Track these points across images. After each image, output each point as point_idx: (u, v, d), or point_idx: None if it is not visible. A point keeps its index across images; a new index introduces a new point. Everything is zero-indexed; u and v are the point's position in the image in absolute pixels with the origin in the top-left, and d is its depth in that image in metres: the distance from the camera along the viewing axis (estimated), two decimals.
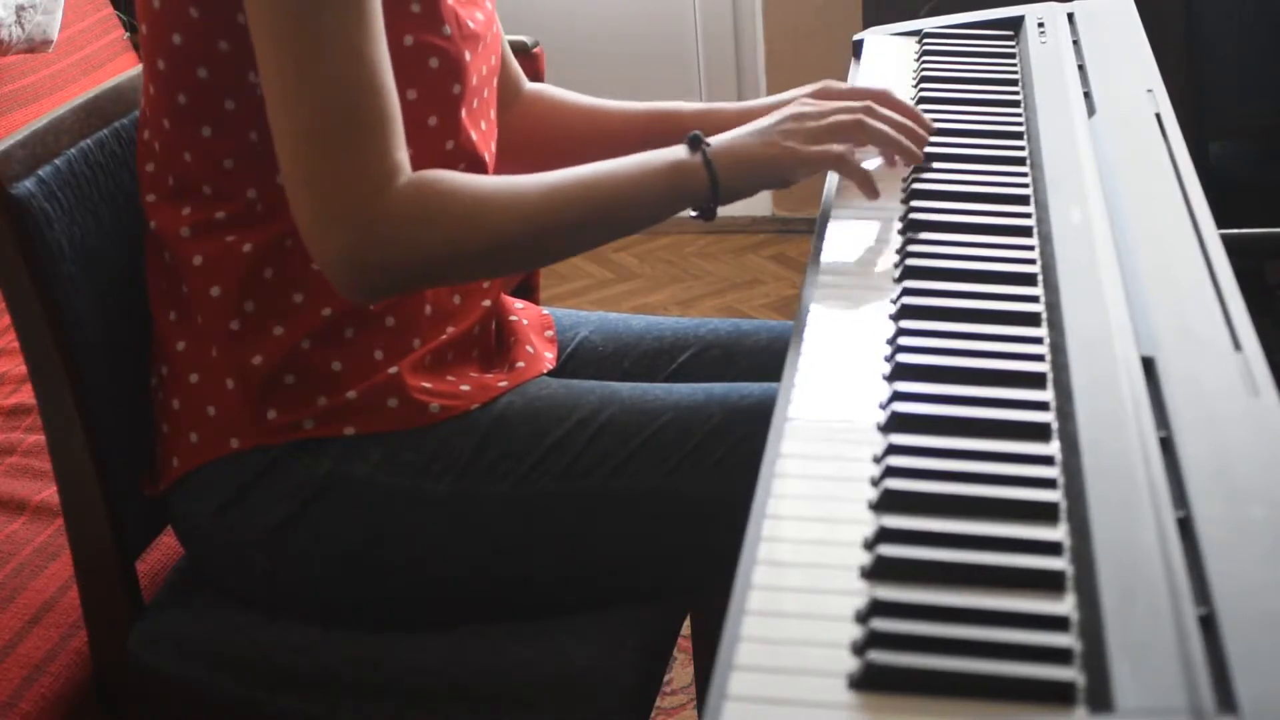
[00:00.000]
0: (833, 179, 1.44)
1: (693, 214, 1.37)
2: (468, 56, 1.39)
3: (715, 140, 1.35)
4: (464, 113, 1.40)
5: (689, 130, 1.37)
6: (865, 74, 1.69)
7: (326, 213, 1.25)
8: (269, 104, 1.26)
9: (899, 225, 1.34)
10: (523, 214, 1.30)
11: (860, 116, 1.38)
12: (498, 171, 1.55)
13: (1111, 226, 1.23)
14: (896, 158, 1.42)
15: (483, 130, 1.45)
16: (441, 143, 1.39)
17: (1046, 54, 1.61)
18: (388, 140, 1.26)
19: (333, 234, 1.25)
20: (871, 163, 1.44)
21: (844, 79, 1.66)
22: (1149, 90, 1.46)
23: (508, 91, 1.62)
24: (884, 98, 1.44)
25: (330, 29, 1.23)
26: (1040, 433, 1.03)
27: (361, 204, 1.25)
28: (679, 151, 1.35)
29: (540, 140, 1.62)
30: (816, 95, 1.47)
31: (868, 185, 1.37)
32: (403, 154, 1.28)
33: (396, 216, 1.26)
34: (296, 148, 1.25)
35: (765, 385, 1.41)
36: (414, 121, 1.35)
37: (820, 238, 1.35)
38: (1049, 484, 0.98)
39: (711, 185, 1.34)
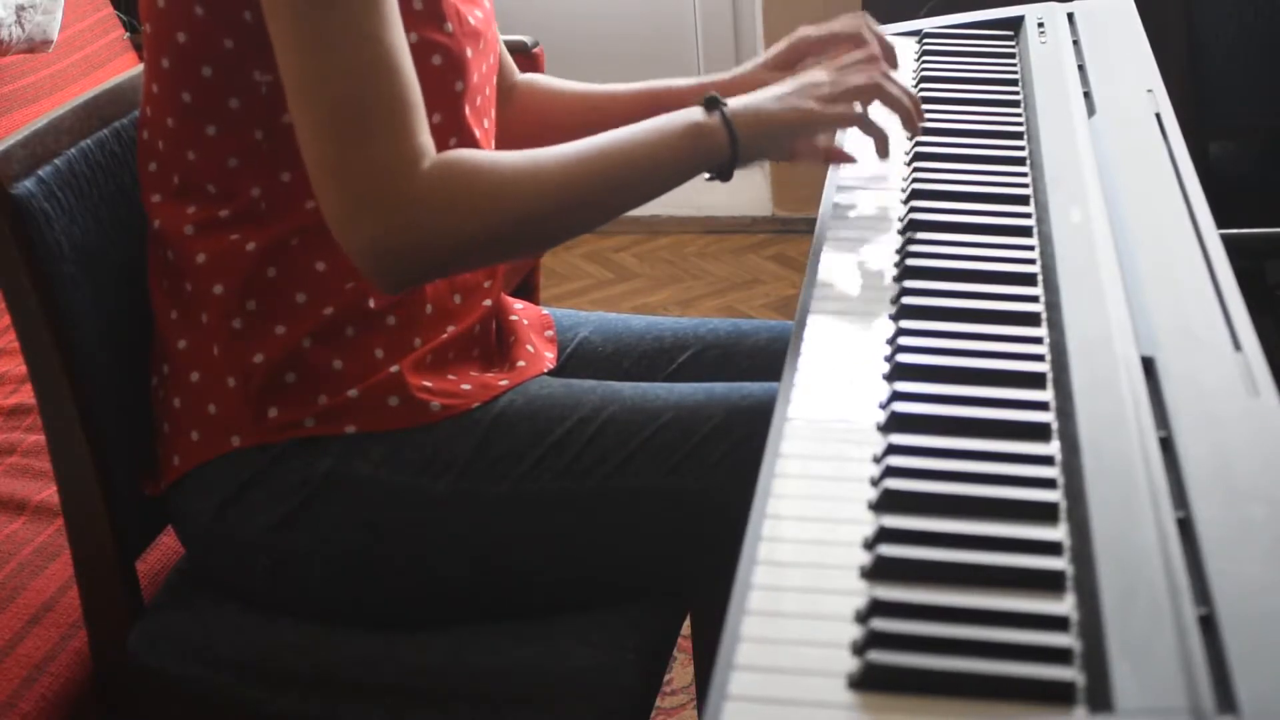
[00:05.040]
0: (833, 177, 1.44)
1: (708, 177, 1.37)
2: (469, 53, 1.39)
3: (732, 102, 1.36)
4: (467, 110, 1.40)
5: (689, 105, 1.37)
6: None
7: (355, 199, 1.24)
8: (289, 95, 1.26)
9: (899, 225, 1.34)
10: (550, 185, 1.30)
11: (879, 80, 1.39)
12: None
13: (1111, 226, 1.23)
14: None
15: (485, 128, 1.45)
16: (445, 140, 1.39)
17: (1046, 54, 1.61)
18: (412, 123, 1.26)
19: (363, 220, 1.25)
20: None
21: None
22: (1149, 90, 1.46)
23: (502, 86, 1.62)
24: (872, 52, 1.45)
25: (347, 16, 1.23)
26: (1040, 433, 1.03)
27: (391, 188, 1.24)
28: (696, 113, 1.35)
29: (536, 130, 1.62)
30: (800, 47, 1.51)
31: (883, 144, 1.39)
32: (426, 137, 1.27)
33: (426, 198, 1.25)
34: (320, 136, 1.24)
35: (765, 385, 1.41)
36: None
37: (820, 237, 1.35)
38: (1049, 484, 0.98)
39: (731, 143, 1.34)
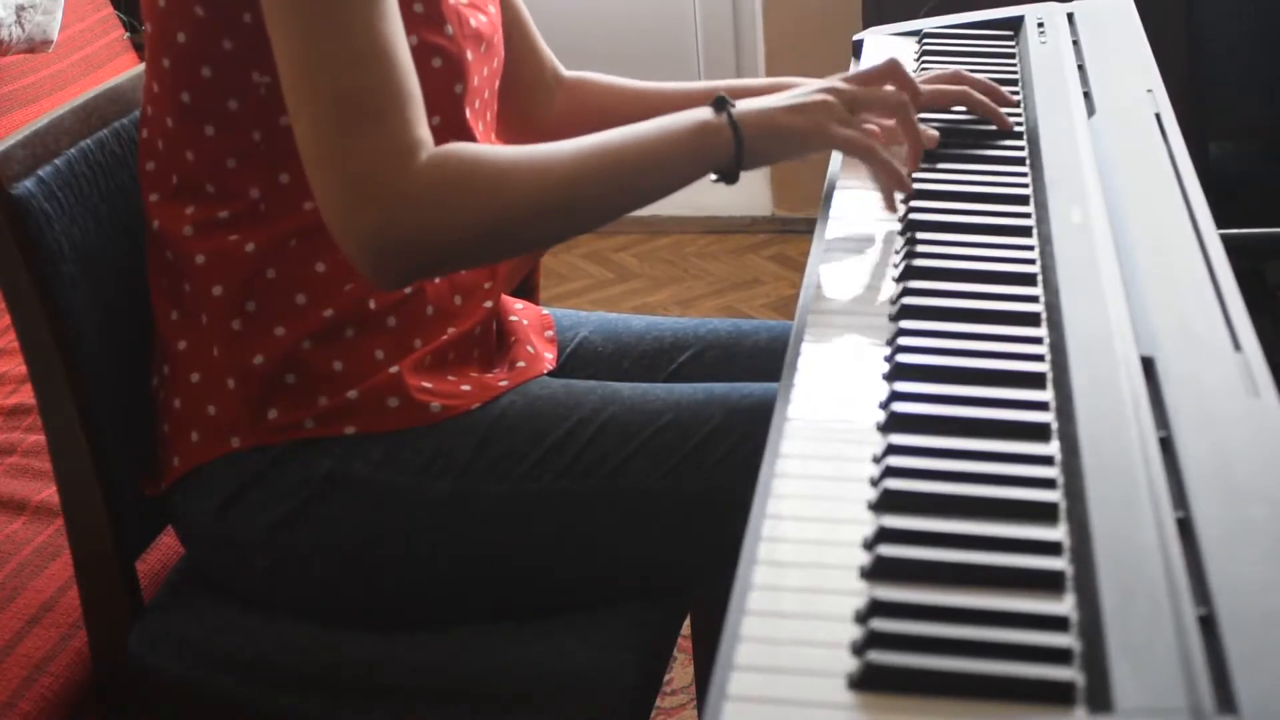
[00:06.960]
0: (833, 177, 1.44)
1: (714, 178, 1.36)
2: (469, 56, 1.39)
3: (742, 104, 1.34)
4: (468, 112, 1.40)
5: None
6: None
7: (351, 191, 1.22)
8: (286, 90, 1.25)
9: (899, 225, 1.34)
10: (551, 181, 1.28)
11: (905, 100, 1.37)
12: None
13: (1111, 226, 1.23)
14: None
15: (481, 131, 1.45)
16: (444, 142, 1.39)
17: (1046, 54, 1.61)
18: (409, 114, 1.24)
19: (359, 213, 1.23)
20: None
21: None
22: (1149, 90, 1.46)
23: (544, 80, 1.62)
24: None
25: (344, 7, 1.22)
26: (1040, 433, 1.03)
27: (388, 180, 1.23)
28: (704, 112, 1.33)
29: (592, 126, 1.61)
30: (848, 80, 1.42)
31: (897, 179, 1.35)
32: (424, 129, 1.26)
33: (424, 190, 1.23)
34: (316, 128, 1.23)
35: (765, 385, 1.41)
36: None
37: (820, 237, 1.34)
38: (1049, 484, 0.98)
39: (736, 145, 1.32)
